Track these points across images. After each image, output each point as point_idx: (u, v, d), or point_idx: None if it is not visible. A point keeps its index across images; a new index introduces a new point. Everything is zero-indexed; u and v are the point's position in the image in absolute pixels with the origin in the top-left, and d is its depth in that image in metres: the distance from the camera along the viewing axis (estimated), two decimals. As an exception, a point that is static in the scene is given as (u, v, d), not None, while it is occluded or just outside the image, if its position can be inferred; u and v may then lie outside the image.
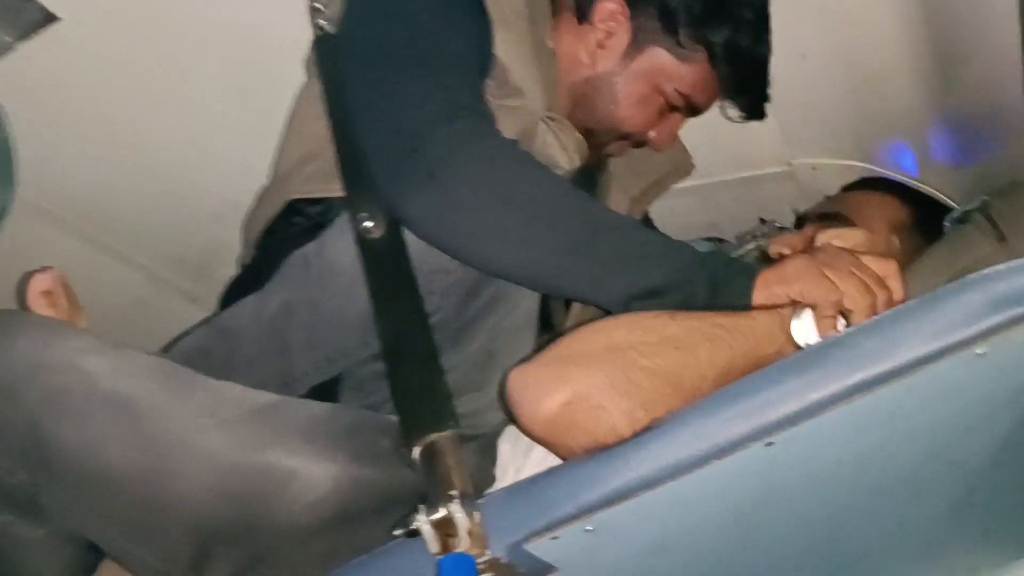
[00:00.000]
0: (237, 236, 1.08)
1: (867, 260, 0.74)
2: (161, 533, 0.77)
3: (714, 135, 1.18)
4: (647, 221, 1.26)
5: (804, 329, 0.72)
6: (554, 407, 0.70)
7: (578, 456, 0.69)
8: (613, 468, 0.65)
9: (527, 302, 0.88)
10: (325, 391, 0.87)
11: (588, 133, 1.01)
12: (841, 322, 0.72)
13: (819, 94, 1.21)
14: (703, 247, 1.36)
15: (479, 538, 0.65)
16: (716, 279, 0.75)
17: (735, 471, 0.63)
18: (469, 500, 0.66)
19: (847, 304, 0.71)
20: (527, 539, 0.65)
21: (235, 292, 0.95)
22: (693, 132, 1.15)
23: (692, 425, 0.64)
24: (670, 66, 1.01)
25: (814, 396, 0.62)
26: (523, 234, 0.78)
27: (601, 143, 1.05)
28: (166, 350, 0.93)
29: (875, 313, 0.70)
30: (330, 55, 0.95)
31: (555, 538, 0.64)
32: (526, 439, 0.77)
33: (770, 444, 0.62)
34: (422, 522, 0.65)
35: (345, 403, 0.87)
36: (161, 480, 0.76)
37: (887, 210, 1.13)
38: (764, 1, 1.03)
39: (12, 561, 0.83)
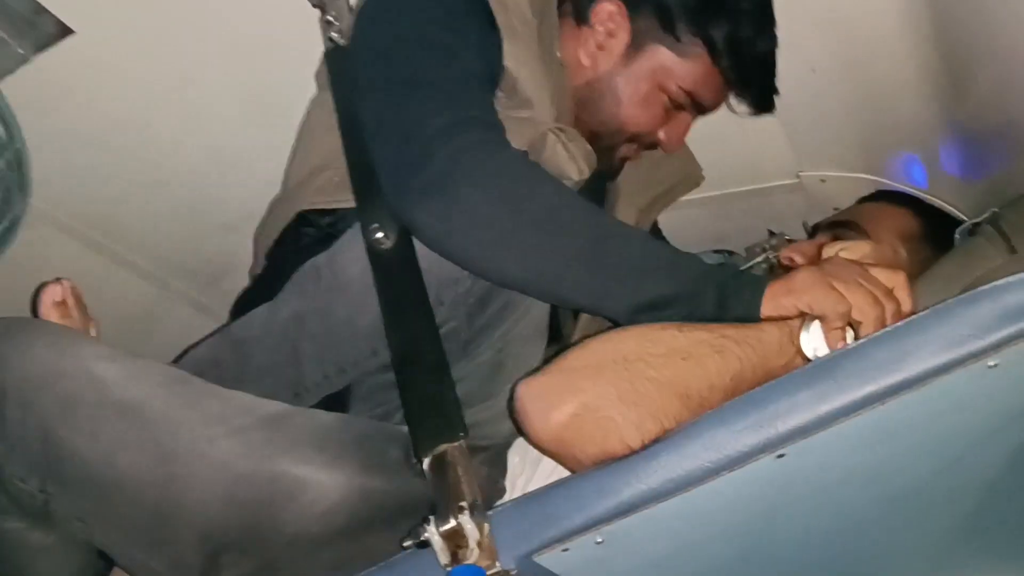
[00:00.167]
0: (248, 247, 1.08)
1: (875, 272, 0.74)
2: (170, 541, 0.77)
3: (724, 147, 1.18)
4: (656, 232, 1.26)
5: (813, 341, 0.72)
6: (562, 418, 0.70)
7: (587, 467, 0.69)
8: (623, 480, 0.65)
9: (537, 312, 0.88)
10: (335, 401, 0.87)
11: (595, 136, 1.01)
12: (850, 334, 0.72)
13: (828, 106, 1.21)
14: (712, 259, 1.37)
15: (489, 550, 0.65)
16: (724, 291, 0.75)
17: (746, 483, 0.63)
18: (479, 511, 0.66)
19: (855, 316, 0.71)
20: (537, 551, 0.65)
21: (246, 302, 0.96)
22: (703, 144, 1.15)
23: (702, 437, 0.64)
24: (671, 63, 1.01)
25: (825, 408, 0.62)
26: (531, 245, 0.78)
27: (610, 146, 1.04)
28: (177, 360, 0.94)
29: (884, 325, 0.70)
30: (341, 67, 0.96)
31: (565, 550, 0.64)
32: (536, 451, 0.77)
33: (781, 456, 0.62)
34: (432, 533, 0.65)
35: (355, 413, 0.87)
36: (171, 488, 0.76)
37: (899, 221, 1.13)
38: None
39: (22, 568, 0.83)
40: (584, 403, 0.69)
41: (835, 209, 1.28)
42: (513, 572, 0.65)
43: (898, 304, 0.73)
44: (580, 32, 1.03)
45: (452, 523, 0.65)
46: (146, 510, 0.77)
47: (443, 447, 0.70)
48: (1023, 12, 0.91)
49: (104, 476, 0.76)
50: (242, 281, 1.07)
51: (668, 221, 1.27)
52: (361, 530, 0.77)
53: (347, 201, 0.89)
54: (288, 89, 1.08)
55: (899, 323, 0.65)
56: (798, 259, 1.05)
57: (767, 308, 0.74)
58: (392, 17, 0.93)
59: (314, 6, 1.01)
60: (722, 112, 1.07)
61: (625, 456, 0.67)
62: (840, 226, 1.11)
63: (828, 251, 0.84)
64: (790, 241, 1.26)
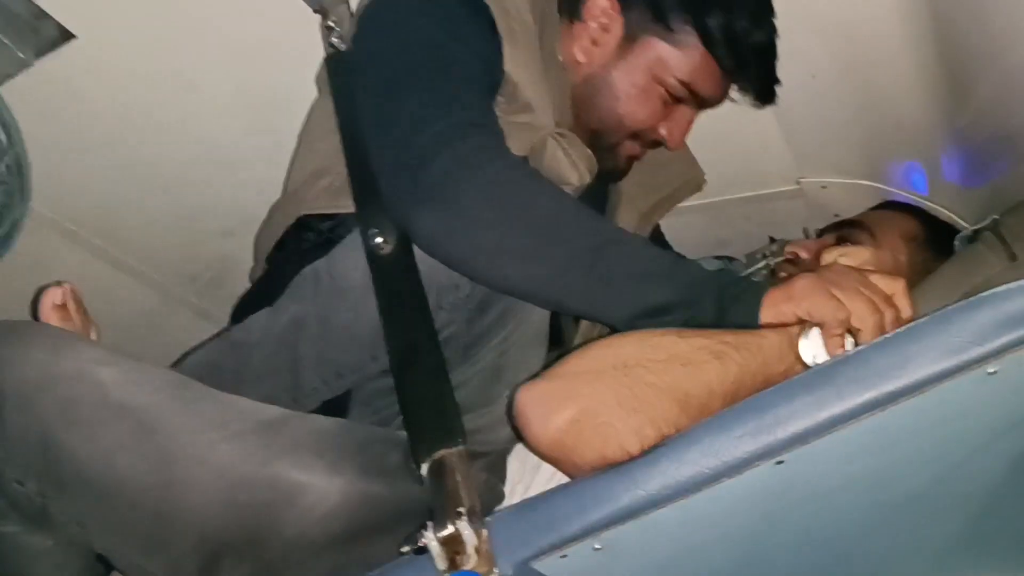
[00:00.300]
0: (248, 252, 1.08)
1: (874, 278, 0.74)
2: (169, 545, 0.77)
3: (724, 153, 1.18)
4: (658, 236, 1.26)
5: (812, 348, 0.72)
6: (561, 424, 0.70)
7: (585, 473, 0.69)
8: (622, 486, 0.65)
9: (537, 318, 0.88)
10: (334, 406, 0.87)
11: (596, 135, 1.00)
12: (849, 341, 0.72)
13: (829, 113, 1.21)
14: (712, 265, 1.37)
15: (487, 556, 0.65)
16: (723, 297, 0.75)
17: (745, 489, 0.62)
18: (477, 517, 0.66)
19: (855, 322, 0.71)
20: (536, 557, 0.65)
21: (246, 307, 0.96)
22: (703, 150, 1.15)
23: (702, 443, 0.64)
24: (666, 54, 0.99)
25: (824, 414, 0.62)
26: (530, 251, 0.78)
27: (612, 145, 1.03)
28: (177, 364, 0.94)
29: (883, 331, 0.70)
30: (342, 72, 0.96)
31: (564, 556, 0.64)
32: (535, 456, 0.77)
33: (780, 462, 0.62)
34: (430, 539, 0.65)
35: (354, 418, 0.87)
36: (170, 491, 0.76)
37: (902, 222, 1.13)
38: None
39: (21, 572, 0.83)
40: (583, 409, 0.69)
41: (836, 216, 1.28)
42: (511, 578, 0.65)
43: (897, 311, 0.73)
44: (574, 28, 1.03)
45: (450, 529, 0.65)
46: (145, 514, 0.77)
47: (442, 453, 0.70)
48: (1023, 20, 0.91)
49: (103, 479, 0.76)
50: (242, 285, 1.07)
51: (668, 227, 1.27)
52: (359, 535, 0.77)
53: (347, 206, 0.89)
54: (288, 95, 1.08)
55: (898, 330, 0.65)
56: (803, 254, 1.05)
57: (767, 315, 0.74)
58: (393, 22, 0.93)
59: (315, 11, 1.01)
60: (723, 118, 1.07)
61: (624, 462, 0.67)
62: (847, 225, 1.12)
63: (827, 257, 0.84)
64: (791, 248, 1.26)
